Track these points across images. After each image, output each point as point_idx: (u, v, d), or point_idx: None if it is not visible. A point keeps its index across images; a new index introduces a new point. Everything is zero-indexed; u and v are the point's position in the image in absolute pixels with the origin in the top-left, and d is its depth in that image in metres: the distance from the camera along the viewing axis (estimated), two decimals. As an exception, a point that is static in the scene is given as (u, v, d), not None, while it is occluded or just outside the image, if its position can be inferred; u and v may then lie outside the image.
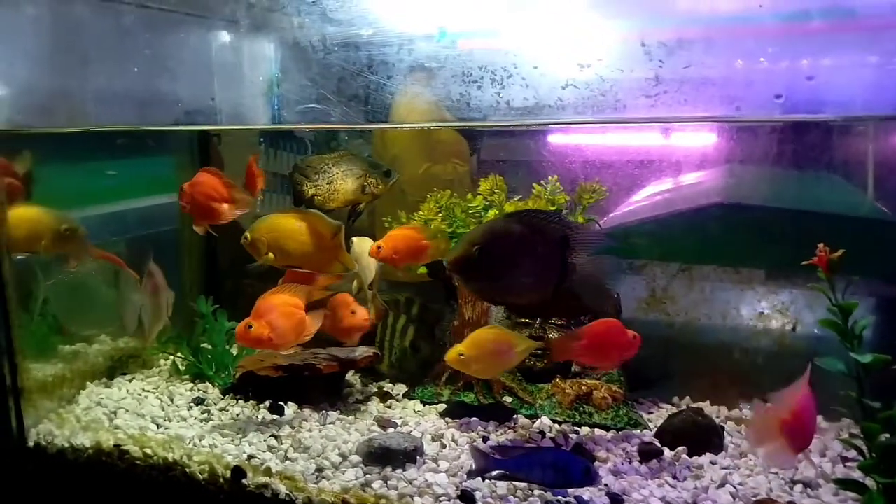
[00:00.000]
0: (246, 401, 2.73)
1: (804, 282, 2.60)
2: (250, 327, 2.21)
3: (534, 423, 2.52)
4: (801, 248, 2.08)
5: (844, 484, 1.94)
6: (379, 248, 2.39)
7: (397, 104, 2.58)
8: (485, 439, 2.40)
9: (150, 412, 2.65)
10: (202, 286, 3.34)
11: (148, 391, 2.88)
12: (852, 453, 2.12)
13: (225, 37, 3.06)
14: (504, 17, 2.52)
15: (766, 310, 2.72)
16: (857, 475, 2.03)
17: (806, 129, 2.66)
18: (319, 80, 2.38)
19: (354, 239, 2.67)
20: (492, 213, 2.78)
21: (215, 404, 2.72)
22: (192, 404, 2.72)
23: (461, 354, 2.14)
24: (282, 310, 2.26)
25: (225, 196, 2.49)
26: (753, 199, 2.76)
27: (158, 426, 2.55)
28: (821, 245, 1.97)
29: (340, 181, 2.71)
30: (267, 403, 2.67)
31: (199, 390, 2.87)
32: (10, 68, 2.42)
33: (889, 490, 1.78)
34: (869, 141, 2.64)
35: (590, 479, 1.98)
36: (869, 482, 1.90)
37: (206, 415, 2.63)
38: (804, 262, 1.98)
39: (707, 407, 2.73)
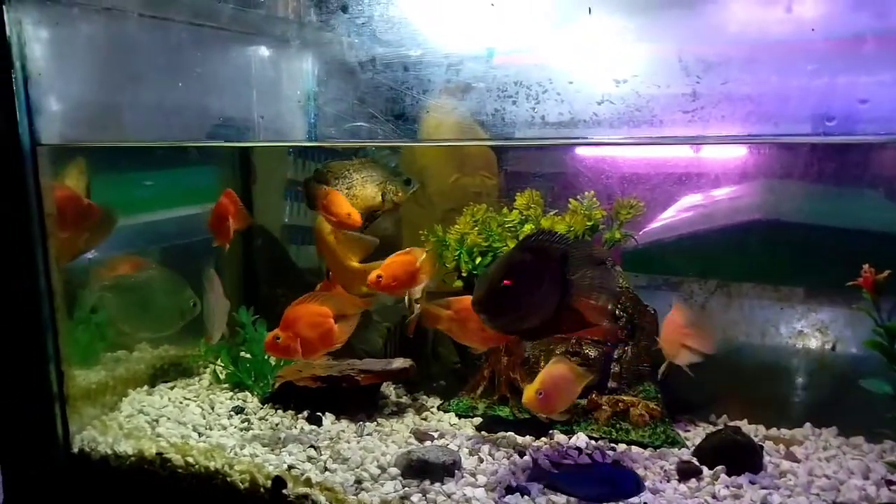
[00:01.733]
0: (285, 410, 2.77)
1: (844, 300, 2.57)
2: (278, 338, 2.25)
3: (570, 438, 2.52)
4: (841, 266, 2.06)
5: (891, 508, 1.91)
6: (379, 277, 2.40)
7: (427, 118, 2.61)
8: (521, 454, 2.40)
9: (191, 420, 2.70)
10: (241, 296, 3.40)
11: (189, 399, 2.93)
12: (897, 476, 2.09)
13: (267, 53, 3.13)
14: (542, 33, 2.54)
15: (806, 328, 2.69)
16: (902, 499, 2.00)
17: (847, 146, 2.64)
18: (368, 98, 2.42)
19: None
20: (528, 227, 2.80)
21: (255, 413, 2.77)
22: (232, 413, 2.77)
23: (539, 393, 2.15)
24: (309, 319, 2.28)
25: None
26: (793, 216, 2.74)
27: (200, 434, 2.59)
28: (866, 266, 1.95)
29: (360, 187, 2.75)
30: (305, 414, 2.70)
31: (238, 399, 2.92)
32: (65, 86, 2.50)
33: (938, 516, 1.75)
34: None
35: (641, 490, 2.04)
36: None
37: (245, 424, 2.68)
38: (849, 283, 1.97)
39: (745, 426, 2.71)
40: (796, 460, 2.41)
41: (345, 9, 2.22)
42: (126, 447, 2.49)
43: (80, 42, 2.56)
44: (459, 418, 2.72)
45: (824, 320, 2.67)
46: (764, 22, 2.12)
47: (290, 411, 2.75)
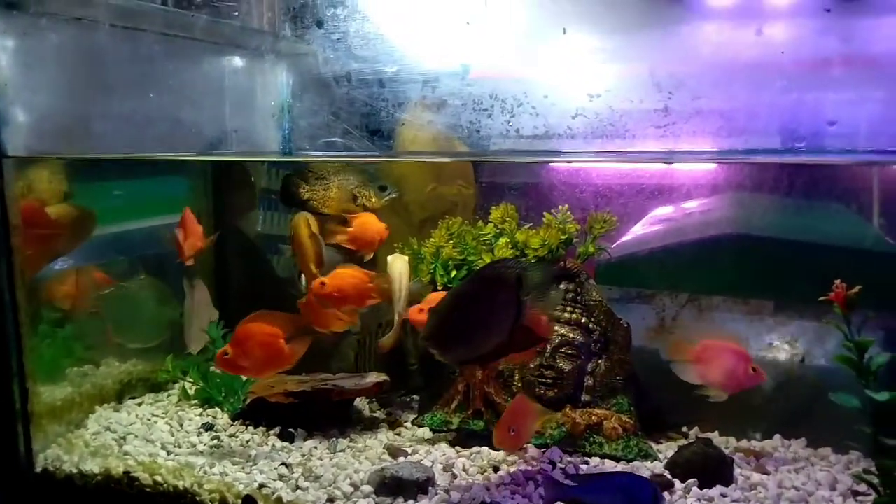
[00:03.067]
0: (256, 427, 2.72)
1: (813, 314, 2.62)
2: (227, 354, 2.25)
3: (544, 452, 2.51)
4: (810, 280, 2.10)
5: (858, 520, 1.94)
6: (323, 283, 2.41)
7: (403, 130, 2.61)
8: (495, 469, 2.39)
9: (159, 438, 2.65)
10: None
11: (157, 416, 2.87)
12: (862, 487, 2.12)
13: (241, 65, 3.10)
14: (517, 49, 2.56)
15: (775, 341, 2.73)
16: (869, 510, 2.04)
17: (816, 164, 2.70)
18: (343, 113, 2.42)
19: (390, 258, 2.69)
20: (503, 240, 2.81)
21: (225, 430, 2.72)
22: (201, 430, 2.72)
23: (511, 430, 2.20)
24: (259, 339, 2.29)
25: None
26: (763, 231, 2.79)
27: (168, 452, 2.54)
28: (837, 281, 1.99)
29: (335, 189, 2.75)
30: (277, 430, 2.67)
31: (208, 416, 2.87)
32: (33, 97, 2.45)
33: (904, 528, 1.79)
34: (877, 175, 2.67)
35: (658, 500, 2.06)
36: (883, 519, 1.91)
37: (215, 441, 2.63)
38: (821, 299, 2.00)
39: (716, 438, 2.73)
40: (766, 472, 2.44)
41: (320, 24, 2.22)
42: (92, 466, 2.42)
43: (49, 52, 2.51)
44: (434, 433, 2.70)
45: (794, 333, 2.72)
46: (735, 43, 2.16)
47: (261, 428, 2.71)
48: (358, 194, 2.81)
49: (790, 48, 2.03)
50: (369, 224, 2.81)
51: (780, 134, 2.41)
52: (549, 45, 2.49)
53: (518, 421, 2.21)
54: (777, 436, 2.69)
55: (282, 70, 3.10)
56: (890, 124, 2.05)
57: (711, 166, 2.90)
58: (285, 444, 2.59)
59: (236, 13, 2.69)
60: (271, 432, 2.67)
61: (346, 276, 2.45)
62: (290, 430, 2.64)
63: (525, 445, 2.44)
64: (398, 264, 2.62)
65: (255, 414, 2.75)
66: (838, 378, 2.12)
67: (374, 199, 2.85)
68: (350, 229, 2.80)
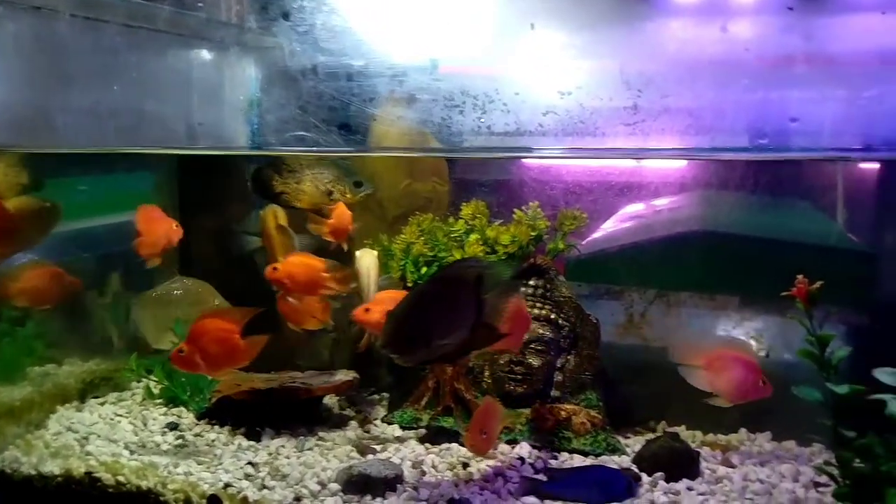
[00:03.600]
0: (222, 426, 2.68)
1: (777, 309, 2.66)
2: (182, 352, 2.21)
3: (513, 448, 2.51)
4: (775, 276, 2.13)
5: (819, 511, 1.97)
6: (274, 268, 2.38)
7: (377, 127, 2.59)
8: (465, 465, 2.38)
9: (122, 437, 2.59)
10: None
11: (121, 415, 2.81)
12: (824, 478, 2.16)
13: (209, 58, 3.05)
14: (487, 45, 2.56)
15: (741, 336, 2.77)
16: (829, 501, 2.07)
17: (780, 161, 2.74)
18: (310, 107, 2.39)
19: (358, 252, 2.66)
20: (473, 237, 2.80)
21: (190, 429, 2.67)
22: (165, 429, 2.66)
23: (483, 433, 2.19)
24: (215, 335, 2.25)
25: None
26: (729, 228, 2.83)
27: (132, 452, 2.49)
28: (800, 276, 2.02)
29: (309, 182, 2.72)
30: (243, 429, 2.63)
31: (173, 415, 2.81)
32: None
33: (862, 517, 1.82)
34: (841, 173, 2.72)
35: (632, 492, 2.10)
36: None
37: (180, 440, 2.58)
38: (783, 294, 2.03)
39: (682, 432, 2.76)
40: (732, 466, 2.47)
41: (286, 16, 2.18)
42: (52, 467, 2.36)
43: (6, 42, 2.43)
44: (403, 430, 2.69)
45: (759, 328, 2.76)
46: (700, 40, 2.18)
47: (227, 427, 2.67)
48: (333, 189, 2.78)
49: (754, 45, 2.05)
50: (346, 214, 2.78)
51: (746, 132, 2.44)
52: (520, 41, 2.49)
53: (488, 423, 2.20)
54: (742, 429, 2.73)
55: (250, 63, 3.05)
56: (851, 122, 2.08)
57: (680, 164, 2.93)
58: (252, 442, 2.55)
59: (201, 4, 2.63)
60: (238, 431, 2.63)
61: (299, 263, 2.42)
62: (257, 428, 2.61)
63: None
64: (367, 259, 2.60)
65: (222, 413, 2.70)
66: (802, 372, 2.16)
67: (349, 195, 2.82)
68: (331, 221, 2.75)
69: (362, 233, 2.92)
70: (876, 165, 2.72)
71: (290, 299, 2.53)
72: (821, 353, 1.94)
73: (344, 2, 2.18)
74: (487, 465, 2.38)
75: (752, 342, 2.75)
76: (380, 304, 2.29)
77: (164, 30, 2.84)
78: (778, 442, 2.68)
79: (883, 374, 1.77)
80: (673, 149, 2.60)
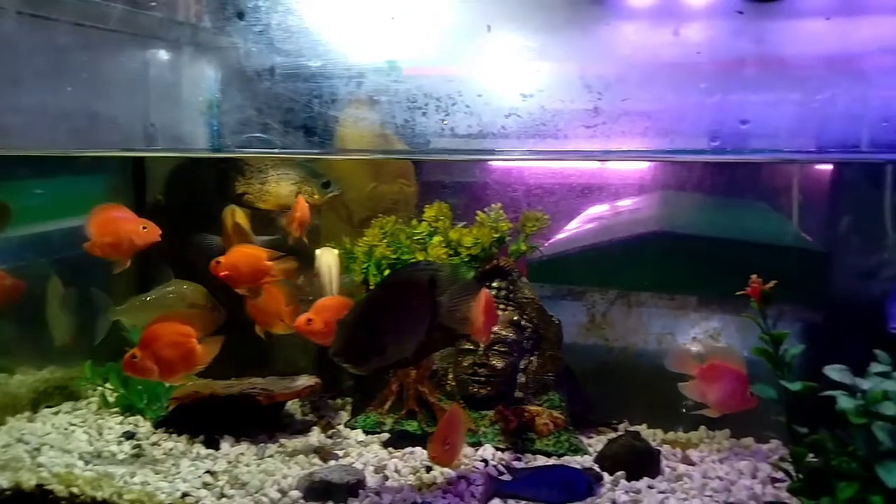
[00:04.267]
0: (180, 434, 2.62)
1: (734, 308, 2.71)
2: (135, 357, 2.17)
3: (477, 450, 2.51)
4: (732, 276, 2.17)
5: (774, 507, 2.01)
6: (217, 262, 2.35)
7: (342, 129, 2.57)
8: (428, 469, 2.37)
9: (77, 448, 2.52)
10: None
11: (75, 425, 2.74)
12: (780, 474, 2.20)
13: (166, 58, 2.98)
14: (449, 47, 2.56)
15: (699, 335, 2.82)
16: (785, 496, 2.11)
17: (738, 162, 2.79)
18: (266, 109, 2.35)
19: (318, 251, 2.62)
20: (436, 239, 2.79)
21: (147, 438, 2.61)
22: (122, 439, 2.60)
23: (446, 445, 2.11)
24: (169, 339, 2.20)
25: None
26: (688, 228, 2.87)
27: (86, 463, 2.42)
28: (754, 276, 2.05)
29: (274, 184, 2.69)
30: (202, 437, 2.58)
31: (129, 424, 2.75)
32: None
33: (815, 511, 1.86)
34: (796, 174, 2.78)
35: (593, 492, 2.13)
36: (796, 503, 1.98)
37: (137, 450, 2.52)
38: (738, 293, 2.06)
39: (644, 430, 2.80)
40: (692, 463, 2.51)
41: (241, 16, 2.15)
42: (1, 480, 2.28)
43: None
44: (367, 435, 2.66)
45: (716, 327, 2.81)
46: (654, 44, 2.21)
47: (185, 435, 2.61)
48: (300, 190, 2.74)
49: (706, 49, 2.09)
50: (306, 206, 2.73)
51: (703, 134, 2.48)
52: (481, 43, 2.49)
53: (451, 434, 2.14)
54: (702, 427, 2.78)
55: (209, 63, 2.99)
56: (803, 124, 2.13)
57: (640, 165, 2.97)
58: (210, 451, 2.50)
59: (154, 3, 2.58)
60: (196, 439, 2.58)
61: (241, 253, 2.38)
62: (216, 436, 2.56)
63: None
64: (327, 257, 2.56)
65: (180, 421, 2.65)
66: (761, 370, 2.19)
67: (316, 196, 2.78)
68: (297, 214, 2.69)
69: (328, 235, 2.89)
70: (829, 167, 2.79)
71: (258, 301, 2.48)
72: (775, 350, 1.98)
73: (300, 2, 2.14)
74: (450, 469, 2.38)
75: (709, 339, 2.80)
76: (321, 312, 2.24)
77: (118, 29, 2.77)
78: (736, 439, 2.73)
79: (833, 372, 1.81)
80: (633, 151, 2.63)
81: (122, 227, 2.52)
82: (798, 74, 2.08)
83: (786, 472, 2.01)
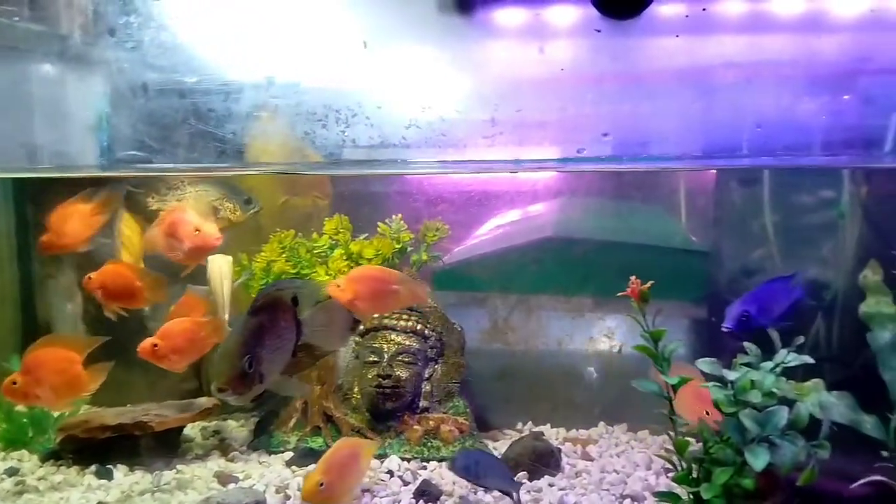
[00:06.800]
0: (69, 467, 2.49)
1: (626, 308, 2.84)
2: (15, 383, 2.09)
3: (382, 462, 2.51)
4: (624, 277, 2.27)
5: (661, 496, 2.10)
6: (90, 278, 2.31)
7: (252, 142, 2.52)
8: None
9: (-49, 490, 2.35)
10: (17, 341, 3.04)
11: (-50, 465, 2.55)
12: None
13: (48, 73, 2.84)
14: (338, 62, 2.56)
15: (595, 335, 2.93)
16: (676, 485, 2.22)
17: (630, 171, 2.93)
18: (141, 126, 2.28)
19: (210, 257, 2.55)
20: (338, 252, 2.78)
21: (32, 473, 2.46)
22: (3, 476, 2.44)
23: (321, 484, 1.91)
24: (53, 365, 2.13)
25: None
26: (580, 233, 2.99)
27: (-39, 506, 2.26)
28: (633, 277, 2.15)
29: (192, 200, 2.61)
30: (93, 468, 2.45)
31: (13, 459, 2.58)
32: None
33: (697, 498, 1.96)
34: (682, 177, 2.95)
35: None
36: (682, 492, 2.09)
37: (20, 486, 2.37)
38: (618, 294, 2.16)
39: (548, 430, 2.88)
40: (591, 459, 2.60)
41: (112, 32, 2.08)
42: None
43: None
44: (270, 455, 2.61)
45: (611, 327, 2.93)
46: (521, 60, 2.29)
47: (75, 467, 2.48)
48: (220, 206, 2.66)
49: (569, 65, 2.19)
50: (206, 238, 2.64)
51: (594, 143, 2.59)
52: (379, 53, 2.51)
53: (335, 472, 1.95)
54: (601, 423, 2.89)
55: (97, 79, 2.88)
56: (657, 133, 2.26)
57: (538, 175, 3.07)
58: (102, 481, 2.39)
59: (17, 18, 2.45)
60: (86, 470, 2.45)
61: (112, 272, 2.33)
62: (109, 466, 2.45)
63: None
64: (218, 263, 2.50)
65: (69, 452, 2.51)
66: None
67: (238, 213, 2.71)
68: (189, 245, 2.59)
69: (238, 251, 2.82)
70: (713, 172, 2.97)
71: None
72: (654, 346, 2.08)
73: (174, 19, 2.10)
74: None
75: (604, 338, 2.92)
76: (167, 338, 2.19)
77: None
78: (634, 433, 2.85)
79: (704, 364, 1.92)
80: (529, 160, 2.71)
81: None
82: (651, 88, 2.21)
83: (670, 461, 2.11)
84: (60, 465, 2.51)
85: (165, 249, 2.42)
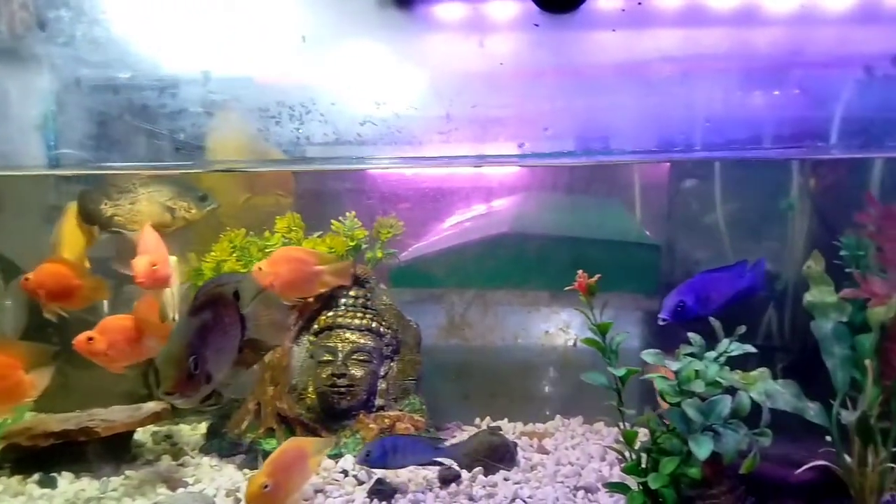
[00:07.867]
0: (11, 476, 2.41)
1: (580, 302, 2.87)
2: None
3: (336, 462, 2.49)
4: (577, 271, 2.28)
5: (612, 486, 2.12)
6: (27, 278, 2.27)
7: (212, 139, 2.47)
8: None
9: None
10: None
11: None
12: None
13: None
14: (294, 55, 2.52)
15: (551, 329, 2.95)
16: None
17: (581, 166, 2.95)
18: (89, 125, 2.22)
19: None
20: (291, 250, 2.75)
21: (-28, 484, 2.39)
22: (-59, 488, 2.36)
23: (266, 486, 1.85)
24: None
25: None
26: (536, 229, 3.00)
27: None
28: (580, 271, 2.16)
29: (146, 202, 2.55)
30: (36, 476, 2.38)
31: (-49, 470, 2.50)
32: None
33: (646, 488, 1.98)
34: (636, 172, 2.98)
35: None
36: (632, 482, 2.11)
37: (-42, 498, 2.30)
38: (566, 287, 2.17)
39: (505, 424, 2.89)
40: (546, 452, 2.62)
41: (42, 26, 2.01)
42: None
43: None
44: (222, 458, 2.57)
45: (566, 320, 2.95)
46: (463, 55, 2.29)
47: (16, 476, 2.41)
48: (174, 206, 2.60)
49: (509, 60, 2.19)
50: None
51: (549, 139, 2.60)
52: (331, 49, 2.48)
53: (280, 472, 1.91)
54: (558, 416, 2.90)
55: (41, 75, 2.79)
56: (598, 128, 2.28)
57: (493, 170, 3.07)
58: (46, 490, 2.32)
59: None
60: (29, 479, 2.38)
61: (50, 271, 2.29)
62: (53, 474, 2.38)
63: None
64: None
65: (10, 460, 2.43)
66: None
67: (193, 211, 2.65)
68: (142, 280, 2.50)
69: (198, 252, 2.77)
70: (666, 166, 3.00)
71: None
72: (602, 339, 2.09)
73: (107, 13, 2.04)
74: (311, 485, 2.34)
75: (560, 332, 2.94)
76: (105, 332, 2.14)
77: None
78: (589, 425, 2.87)
79: (648, 356, 1.94)
80: (485, 156, 2.71)
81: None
82: (588, 82, 2.22)
83: (620, 453, 2.13)
84: (1, 475, 2.43)
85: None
